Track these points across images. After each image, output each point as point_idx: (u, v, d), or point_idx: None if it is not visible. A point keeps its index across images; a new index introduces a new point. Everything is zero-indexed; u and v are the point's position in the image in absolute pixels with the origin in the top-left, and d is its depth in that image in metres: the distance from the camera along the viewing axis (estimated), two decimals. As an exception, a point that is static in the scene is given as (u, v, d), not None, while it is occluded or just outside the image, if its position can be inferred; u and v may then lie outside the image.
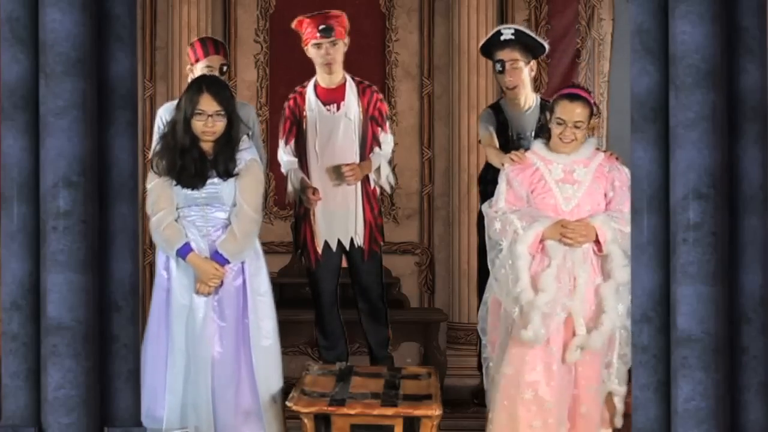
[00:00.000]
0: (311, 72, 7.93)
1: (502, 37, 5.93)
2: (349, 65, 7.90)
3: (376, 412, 4.65)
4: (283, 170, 6.17)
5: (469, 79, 7.53)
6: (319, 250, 6.08)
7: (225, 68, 6.03)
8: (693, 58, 3.77)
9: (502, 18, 7.77)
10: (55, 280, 3.92)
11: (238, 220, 5.11)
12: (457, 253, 7.58)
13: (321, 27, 6.01)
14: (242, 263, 5.15)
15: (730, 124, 3.85)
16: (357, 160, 6.00)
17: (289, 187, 6.14)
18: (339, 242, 6.07)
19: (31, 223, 3.99)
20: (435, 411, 4.66)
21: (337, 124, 6.01)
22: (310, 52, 6.10)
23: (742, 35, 3.86)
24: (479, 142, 6.23)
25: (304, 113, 6.05)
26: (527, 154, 5.36)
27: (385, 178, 6.15)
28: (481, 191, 6.19)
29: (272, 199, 7.90)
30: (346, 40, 6.09)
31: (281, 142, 6.12)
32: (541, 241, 5.14)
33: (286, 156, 6.11)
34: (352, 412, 4.64)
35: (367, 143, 6.05)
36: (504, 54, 5.91)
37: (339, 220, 6.05)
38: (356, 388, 4.91)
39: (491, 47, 6.02)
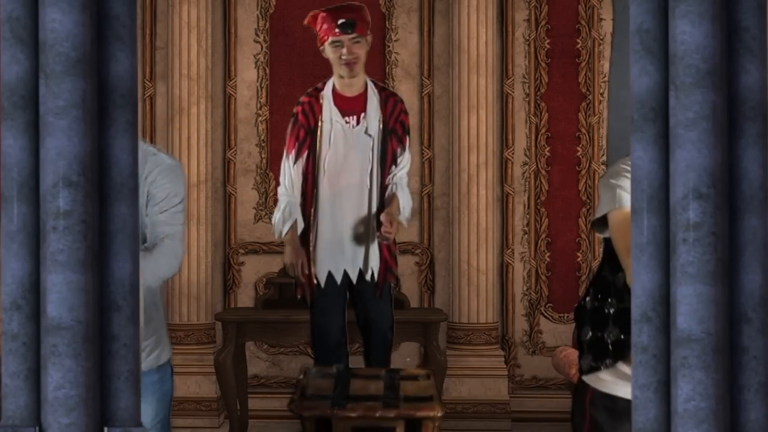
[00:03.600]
0: (312, 72, 7.95)
1: None
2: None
3: (378, 414, 4.65)
4: (278, 214, 5.34)
5: (469, 79, 7.55)
6: (322, 281, 5.39)
7: None
8: (693, 58, 3.77)
9: (502, 18, 7.78)
10: (55, 280, 3.91)
11: None
12: (457, 253, 7.59)
13: (340, 22, 5.31)
14: None
15: (730, 124, 3.85)
16: (375, 182, 5.32)
17: (282, 231, 5.27)
18: (345, 274, 5.41)
19: (31, 223, 3.99)
20: (437, 412, 4.67)
21: (355, 140, 5.33)
22: (327, 51, 5.40)
23: (742, 35, 3.86)
24: (592, 226, 3.58)
25: (320, 123, 5.34)
26: None
27: (405, 213, 5.38)
28: (581, 341, 3.40)
29: (272, 199, 7.91)
30: (369, 37, 5.44)
31: (290, 155, 5.34)
32: None
33: (287, 185, 5.27)
34: (354, 414, 4.64)
35: (387, 163, 5.38)
36: None
37: (347, 249, 5.37)
38: (356, 390, 4.90)
39: None
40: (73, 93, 3.97)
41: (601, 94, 7.80)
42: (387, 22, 7.89)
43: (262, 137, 7.93)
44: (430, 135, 7.87)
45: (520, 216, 7.87)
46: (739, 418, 3.88)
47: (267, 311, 7.08)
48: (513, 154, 7.84)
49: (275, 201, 7.90)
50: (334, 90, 5.38)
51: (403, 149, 5.42)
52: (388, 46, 7.88)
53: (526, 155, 7.85)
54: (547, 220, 7.85)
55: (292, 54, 7.92)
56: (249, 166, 7.94)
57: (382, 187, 5.38)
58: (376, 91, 5.43)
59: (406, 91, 7.85)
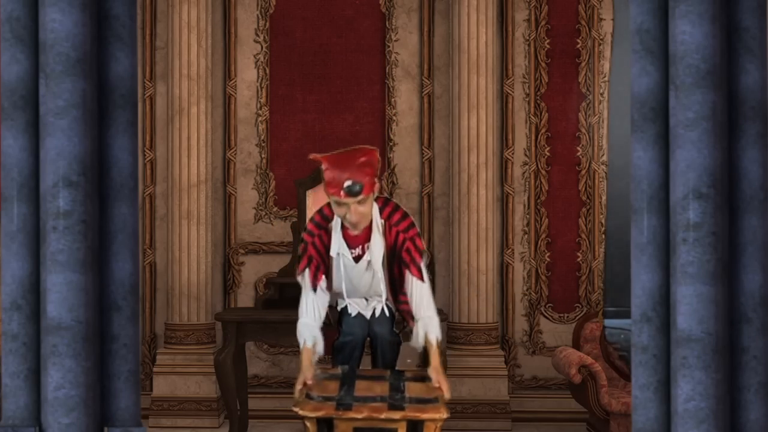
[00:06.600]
0: (312, 72, 7.96)
1: None
2: (349, 65, 7.92)
3: (383, 416, 4.60)
4: (300, 339, 5.22)
5: (469, 79, 7.54)
6: (340, 306, 5.51)
7: None
8: (693, 58, 3.77)
9: (502, 18, 7.78)
10: (55, 280, 3.92)
11: None
12: (457, 253, 7.59)
13: (347, 185, 4.93)
14: None
15: (730, 124, 3.85)
16: (382, 300, 5.36)
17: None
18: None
19: (31, 223, 3.99)
20: (442, 414, 4.63)
21: (361, 270, 5.23)
22: (331, 203, 5.09)
23: (742, 35, 3.86)
24: None
25: (330, 254, 5.20)
26: None
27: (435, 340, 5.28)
28: None
29: (272, 199, 7.91)
30: (377, 185, 5.06)
31: (308, 287, 5.18)
32: None
33: (304, 309, 5.20)
34: (360, 416, 4.60)
35: (397, 284, 5.25)
36: None
37: (363, 311, 5.43)
38: (361, 392, 4.86)
39: None
40: (73, 93, 3.97)
41: (601, 94, 7.80)
42: (387, 22, 7.89)
43: (262, 137, 7.93)
44: (430, 135, 7.87)
45: (520, 216, 7.87)
46: (739, 418, 3.87)
47: (267, 311, 7.07)
48: (513, 154, 7.84)
49: (275, 201, 7.93)
50: (342, 223, 5.18)
51: (416, 277, 5.18)
52: (388, 46, 7.88)
53: (526, 155, 7.85)
54: (547, 220, 7.85)
55: (292, 54, 7.91)
56: (249, 166, 7.94)
57: (394, 296, 5.36)
58: (380, 222, 5.17)
59: (406, 91, 7.86)
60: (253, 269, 7.92)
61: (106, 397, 4.07)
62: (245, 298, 7.93)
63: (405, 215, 5.21)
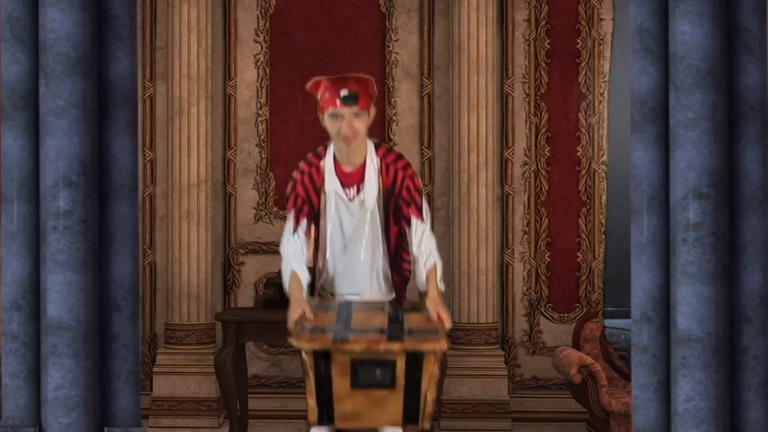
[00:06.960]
0: (312, 72, 7.94)
1: None
2: (349, 65, 7.91)
3: (382, 347, 4.45)
4: (285, 276, 5.09)
5: (469, 79, 7.54)
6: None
7: None
8: (693, 58, 3.77)
9: (502, 18, 7.78)
10: (55, 280, 3.92)
11: None
12: (457, 253, 7.59)
13: (343, 94, 4.94)
14: None
15: (730, 124, 3.86)
16: (381, 252, 5.18)
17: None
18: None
19: (31, 223, 4.00)
20: (442, 345, 4.49)
21: (354, 212, 5.10)
22: (326, 121, 5.00)
23: (742, 35, 3.86)
24: None
25: (322, 194, 5.11)
26: None
27: (440, 285, 5.19)
28: None
29: (272, 199, 7.91)
30: (372, 111, 5.04)
31: (289, 223, 5.11)
32: None
33: (285, 250, 5.07)
34: (357, 348, 4.44)
35: (392, 230, 5.16)
36: None
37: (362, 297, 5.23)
38: (359, 323, 4.65)
39: None
40: (73, 93, 3.97)
41: (601, 94, 7.80)
42: (387, 22, 7.89)
43: (262, 137, 7.93)
44: (430, 135, 7.87)
45: (520, 216, 7.87)
46: (739, 418, 3.87)
47: (267, 311, 7.06)
48: (513, 154, 7.84)
49: (275, 201, 7.93)
50: (335, 158, 5.11)
51: (419, 219, 5.14)
52: (388, 46, 7.88)
53: (526, 155, 7.85)
54: (547, 220, 7.85)
55: (292, 54, 7.91)
56: (249, 166, 7.94)
57: (394, 252, 5.23)
58: (376, 159, 5.10)
59: (406, 91, 7.86)
60: (253, 269, 7.92)
61: (106, 397, 4.07)
62: (245, 298, 7.93)
63: (401, 155, 5.15)
